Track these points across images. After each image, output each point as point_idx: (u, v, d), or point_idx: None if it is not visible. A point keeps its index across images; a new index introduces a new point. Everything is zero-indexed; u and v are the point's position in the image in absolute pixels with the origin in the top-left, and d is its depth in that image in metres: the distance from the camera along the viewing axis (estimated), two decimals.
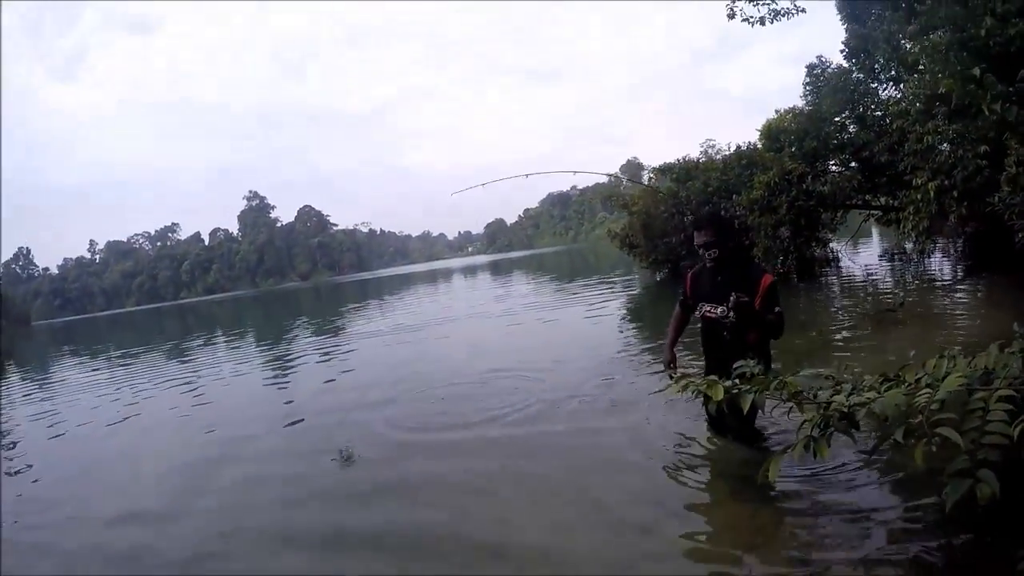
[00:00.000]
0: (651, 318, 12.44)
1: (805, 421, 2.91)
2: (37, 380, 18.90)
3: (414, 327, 16.62)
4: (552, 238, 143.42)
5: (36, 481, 7.11)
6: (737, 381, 3.23)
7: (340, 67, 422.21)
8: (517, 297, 21.43)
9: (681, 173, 16.11)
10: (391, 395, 8.44)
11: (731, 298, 4.09)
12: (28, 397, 14.79)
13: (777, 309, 4.12)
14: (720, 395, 3.13)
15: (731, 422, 4.42)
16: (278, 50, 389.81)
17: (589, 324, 12.78)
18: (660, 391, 6.13)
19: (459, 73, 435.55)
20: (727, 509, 3.91)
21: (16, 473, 7.63)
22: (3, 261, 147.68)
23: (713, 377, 3.31)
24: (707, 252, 4.33)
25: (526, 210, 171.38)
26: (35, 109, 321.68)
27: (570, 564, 3.53)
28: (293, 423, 7.78)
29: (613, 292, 18.28)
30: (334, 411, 8.04)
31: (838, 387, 2.99)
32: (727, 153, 16.56)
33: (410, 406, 7.72)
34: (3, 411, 13.19)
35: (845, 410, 2.77)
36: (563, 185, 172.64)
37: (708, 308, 4.44)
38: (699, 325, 4.66)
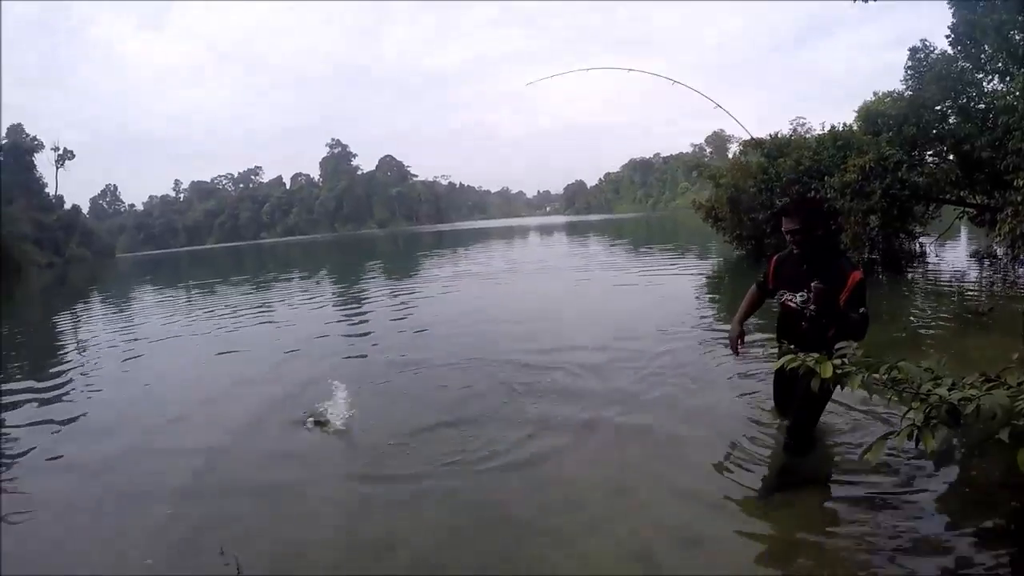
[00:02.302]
0: (730, 293, 12.56)
1: (911, 410, 2.83)
2: (117, 303, 21.17)
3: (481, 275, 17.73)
4: (631, 204, 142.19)
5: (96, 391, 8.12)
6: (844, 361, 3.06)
7: (419, 29, 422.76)
8: (594, 257, 21.90)
9: (772, 149, 15.83)
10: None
11: (812, 285, 3.94)
12: (106, 317, 17.12)
13: (862, 310, 3.84)
14: (828, 373, 2.98)
15: (793, 412, 4.39)
16: (360, 9, 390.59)
17: (665, 292, 13.14)
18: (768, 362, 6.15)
19: (544, 37, 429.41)
20: (801, 505, 3.91)
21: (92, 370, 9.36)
22: (91, 197, 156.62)
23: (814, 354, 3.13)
24: (793, 239, 4.15)
25: (607, 174, 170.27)
26: (124, 56, 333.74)
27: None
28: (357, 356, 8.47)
29: (691, 264, 18.56)
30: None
31: (937, 380, 2.88)
32: (820, 132, 16.18)
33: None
34: (85, 327, 15.22)
35: (955, 403, 2.67)
36: (646, 151, 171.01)
37: (788, 296, 4.31)
38: (777, 312, 4.56)
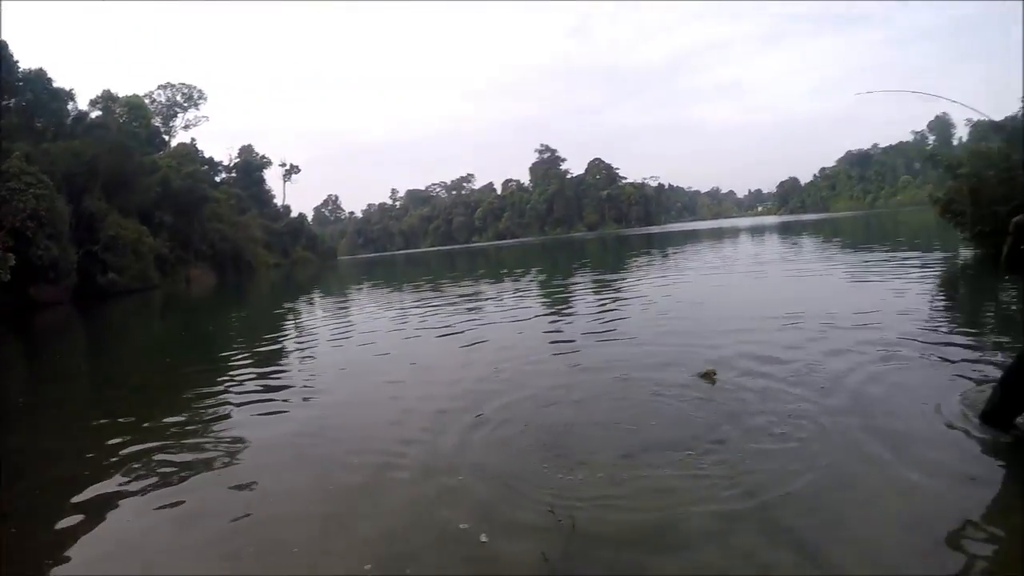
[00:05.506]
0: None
1: None
2: (336, 302, 23.98)
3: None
4: (848, 202, 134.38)
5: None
6: None
7: (624, 24, 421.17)
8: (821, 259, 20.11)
9: (1015, 132, 13.95)
10: None
11: None
12: (327, 313, 19.37)
13: None
14: None
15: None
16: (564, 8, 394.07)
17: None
18: None
19: (751, 25, 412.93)
20: None
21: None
22: (315, 206, 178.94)
23: None
24: None
25: (822, 169, 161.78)
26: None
27: None
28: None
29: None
30: None
31: None
32: None
33: None
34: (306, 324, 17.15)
35: None
36: (863, 143, 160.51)
37: None
38: None
